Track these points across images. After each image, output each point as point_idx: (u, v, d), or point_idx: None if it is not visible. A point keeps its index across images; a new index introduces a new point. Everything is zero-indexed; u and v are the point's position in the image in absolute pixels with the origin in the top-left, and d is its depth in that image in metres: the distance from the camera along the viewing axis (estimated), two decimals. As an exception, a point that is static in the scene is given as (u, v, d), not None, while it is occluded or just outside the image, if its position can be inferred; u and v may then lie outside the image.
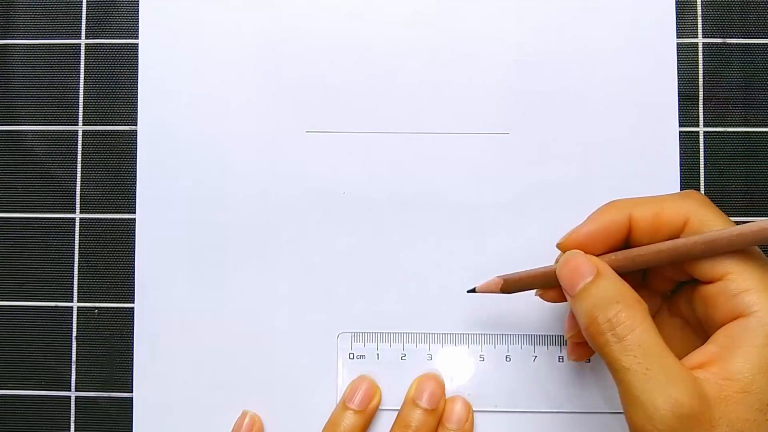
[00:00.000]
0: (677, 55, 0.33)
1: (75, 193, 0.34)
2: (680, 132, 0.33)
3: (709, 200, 0.26)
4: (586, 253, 0.26)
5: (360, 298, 0.33)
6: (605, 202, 0.27)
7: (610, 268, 0.26)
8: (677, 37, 0.33)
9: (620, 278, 0.25)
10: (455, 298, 0.32)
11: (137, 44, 0.34)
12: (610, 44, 0.33)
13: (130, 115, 0.34)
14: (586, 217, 0.27)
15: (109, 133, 0.34)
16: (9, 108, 0.34)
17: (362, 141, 0.33)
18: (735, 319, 0.23)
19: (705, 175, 0.33)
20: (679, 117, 0.33)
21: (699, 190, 0.33)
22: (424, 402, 0.31)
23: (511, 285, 0.29)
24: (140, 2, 0.34)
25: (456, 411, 0.31)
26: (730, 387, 0.22)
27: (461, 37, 0.33)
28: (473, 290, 0.30)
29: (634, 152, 0.33)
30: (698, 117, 0.33)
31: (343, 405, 0.31)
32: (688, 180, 0.33)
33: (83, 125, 0.34)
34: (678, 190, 0.33)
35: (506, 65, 0.33)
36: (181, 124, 0.33)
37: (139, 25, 0.34)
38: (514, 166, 0.33)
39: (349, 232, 0.33)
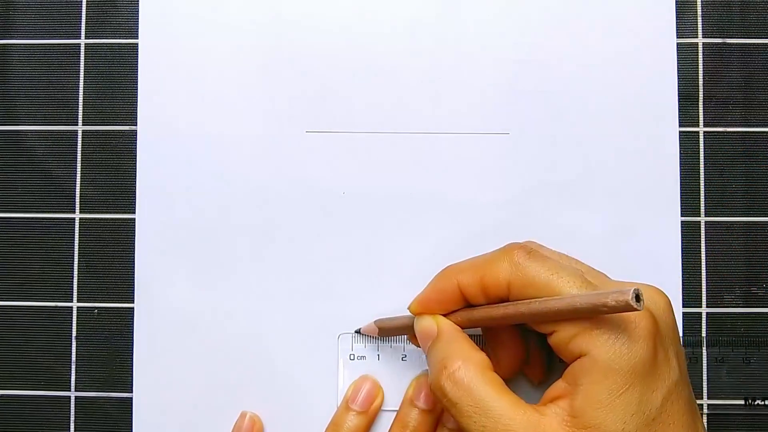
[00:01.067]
0: (677, 55, 0.33)
1: (75, 193, 0.34)
2: (680, 132, 0.33)
3: (528, 252, 0.26)
4: (436, 312, 0.28)
5: (360, 299, 0.33)
6: (441, 269, 0.28)
7: (451, 328, 0.27)
8: (677, 37, 0.33)
9: (456, 336, 0.27)
10: (455, 298, 0.32)
11: (137, 44, 0.34)
12: (610, 44, 0.33)
13: (130, 115, 0.34)
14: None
15: (109, 133, 0.34)
16: (9, 108, 0.34)
17: (362, 141, 0.33)
18: (576, 359, 0.24)
19: (705, 175, 0.33)
20: (679, 117, 0.33)
21: (699, 190, 0.33)
22: (421, 402, 0.31)
23: (384, 331, 0.31)
24: (140, 2, 0.34)
25: None
26: (575, 423, 0.23)
27: (461, 37, 0.33)
28: (359, 331, 0.32)
29: (634, 152, 0.33)
30: (698, 117, 0.33)
31: (346, 406, 0.31)
32: (688, 180, 0.33)
33: (83, 125, 0.34)
34: (678, 190, 0.33)
35: (506, 65, 0.33)
36: (181, 125, 0.33)
37: (139, 25, 0.34)
38: (514, 166, 0.33)
39: (349, 232, 0.33)
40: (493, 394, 0.24)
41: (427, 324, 0.28)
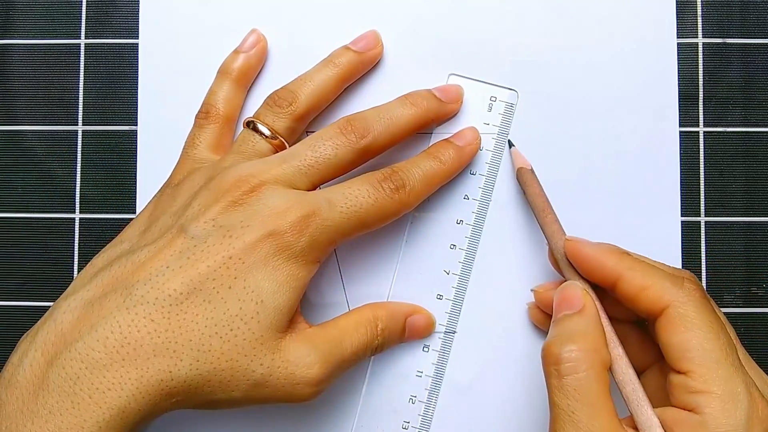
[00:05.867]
0: (677, 55, 0.33)
1: (75, 193, 0.34)
2: (680, 132, 0.33)
3: (700, 292, 0.25)
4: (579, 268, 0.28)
5: (360, 299, 0.33)
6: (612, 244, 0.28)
7: (597, 310, 0.26)
8: (677, 37, 0.33)
9: (599, 322, 0.26)
10: (455, 299, 0.32)
11: (137, 44, 0.34)
12: (610, 44, 0.33)
13: (130, 115, 0.34)
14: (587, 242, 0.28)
15: (109, 133, 0.34)
16: (9, 108, 0.34)
17: (362, 141, 0.33)
18: (686, 409, 0.24)
19: (705, 175, 0.33)
20: (679, 117, 0.33)
21: (699, 190, 0.33)
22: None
23: (526, 187, 0.31)
24: (140, 2, 0.34)
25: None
26: None
27: (461, 37, 0.33)
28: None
29: (634, 152, 0.33)
30: (698, 117, 0.33)
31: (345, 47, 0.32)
32: (688, 180, 0.33)
33: (83, 125, 0.34)
34: (678, 190, 0.33)
35: (506, 65, 0.33)
36: (181, 124, 0.33)
37: (139, 25, 0.34)
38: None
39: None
40: (601, 398, 0.24)
41: (575, 294, 0.27)
